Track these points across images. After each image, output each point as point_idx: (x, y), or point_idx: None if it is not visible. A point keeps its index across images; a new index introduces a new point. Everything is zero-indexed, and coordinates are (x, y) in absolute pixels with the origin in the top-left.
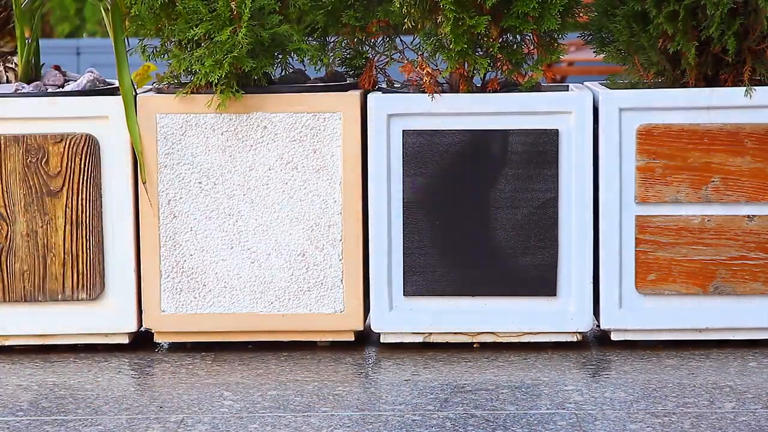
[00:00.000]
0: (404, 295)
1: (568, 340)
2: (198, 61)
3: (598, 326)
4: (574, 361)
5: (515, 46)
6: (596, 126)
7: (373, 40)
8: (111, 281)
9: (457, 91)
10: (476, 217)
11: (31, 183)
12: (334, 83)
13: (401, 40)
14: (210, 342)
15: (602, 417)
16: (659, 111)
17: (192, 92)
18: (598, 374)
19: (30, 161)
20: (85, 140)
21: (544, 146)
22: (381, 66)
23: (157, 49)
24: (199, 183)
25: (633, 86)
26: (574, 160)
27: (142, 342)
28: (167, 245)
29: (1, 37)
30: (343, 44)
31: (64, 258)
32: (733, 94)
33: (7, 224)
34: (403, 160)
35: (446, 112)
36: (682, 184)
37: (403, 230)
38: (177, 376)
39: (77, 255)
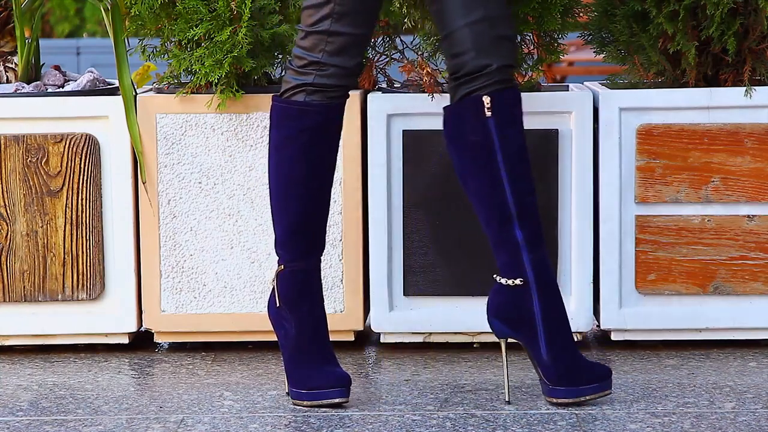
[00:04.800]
0: (404, 295)
1: None
2: (198, 61)
3: (598, 326)
4: None
5: None
6: (596, 126)
7: (373, 40)
8: (111, 281)
9: None
10: (476, 217)
11: (31, 183)
12: None
13: (401, 40)
14: (210, 342)
15: (602, 417)
16: (659, 111)
17: (192, 92)
18: None
19: (30, 161)
20: (85, 140)
21: (544, 146)
22: (381, 66)
23: (157, 49)
24: (199, 183)
25: (633, 86)
26: (574, 160)
27: (142, 342)
28: (167, 245)
29: (1, 37)
30: None
31: (64, 258)
32: (733, 94)
33: (7, 224)
34: (403, 161)
35: None
36: (682, 184)
37: (403, 230)
38: (177, 376)
39: (77, 255)
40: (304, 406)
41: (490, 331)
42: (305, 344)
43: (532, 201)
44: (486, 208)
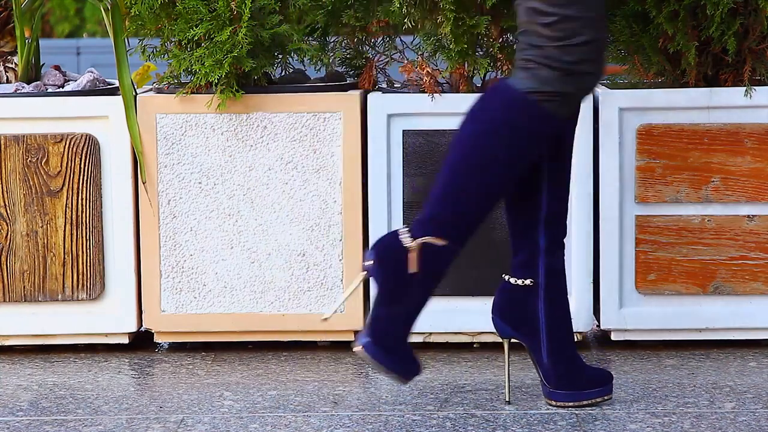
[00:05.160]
0: None
1: None
2: (198, 61)
3: (598, 326)
4: None
5: (515, 46)
6: (596, 126)
7: (373, 40)
8: (111, 281)
9: (458, 91)
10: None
11: (31, 183)
12: (334, 83)
13: (401, 40)
14: (210, 342)
15: (602, 417)
16: (659, 111)
17: (192, 92)
18: None
19: (30, 161)
20: (85, 140)
21: None
22: (381, 66)
23: (157, 49)
24: (199, 183)
25: (633, 86)
26: (573, 160)
27: (142, 342)
28: (167, 245)
29: (1, 37)
30: (343, 44)
31: (64, 258)
32: (733, 94)
33: (7, 224)
34: (403, 160)
35: (446, 112)
36: (682, 184)
37: None
38: (177, 376)
39: (77, 255)
40: (371, 365)
41: (491, 331)
42: (411, 322)
43: (564, 208)
44: (519, 204)
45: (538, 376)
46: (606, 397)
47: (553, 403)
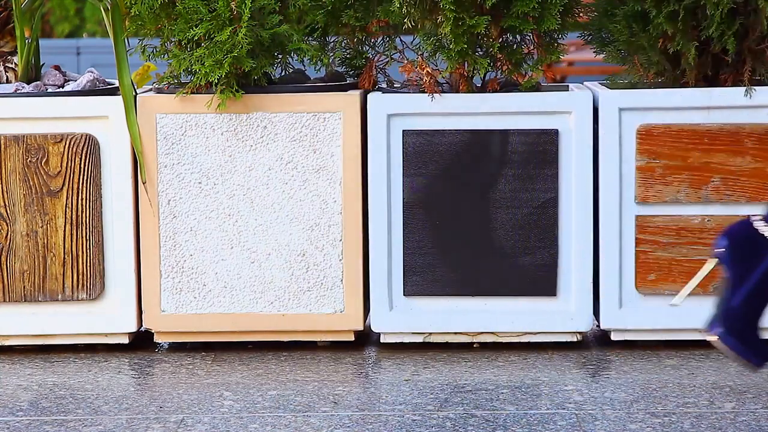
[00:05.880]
0: (404, 295)
1: (568, 340)
2: (198, 61)
3: (598, 326)
4: (574, 361)
5: (515, 46)
6: (596, 126)
7: (373, 40)
8: (111, 281)
9: (457, 91)
10: (476, 217)
11: (31, 183)
12: (334, 83)
13: (401, 40)
14: (210, 342)
15: (602, 417)
16: (659, 111)
17: (192, 92)
18: (598, 374)
19: (30, 161)
20: (85, 140)
21: (544, 146)
22: (381, 66)
23: (157, 49)
24: (199, 183)
25: (633, 86)
26: (574, 160)
27: (142, 342)
28: (167, 245)
29: (1, 37)
30: (343, 44)
31: (64, 258)
32: (733, 94)
33: (7, 224)
34: (403, 160)
35: (446, 112)
36: (682, 184)
37: (403, 230)
38: (177, 376)
39: (77, 255)
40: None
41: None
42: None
43: None
44: None
45: (710, 315)
46: (752, 368)
47: (712, 336)
